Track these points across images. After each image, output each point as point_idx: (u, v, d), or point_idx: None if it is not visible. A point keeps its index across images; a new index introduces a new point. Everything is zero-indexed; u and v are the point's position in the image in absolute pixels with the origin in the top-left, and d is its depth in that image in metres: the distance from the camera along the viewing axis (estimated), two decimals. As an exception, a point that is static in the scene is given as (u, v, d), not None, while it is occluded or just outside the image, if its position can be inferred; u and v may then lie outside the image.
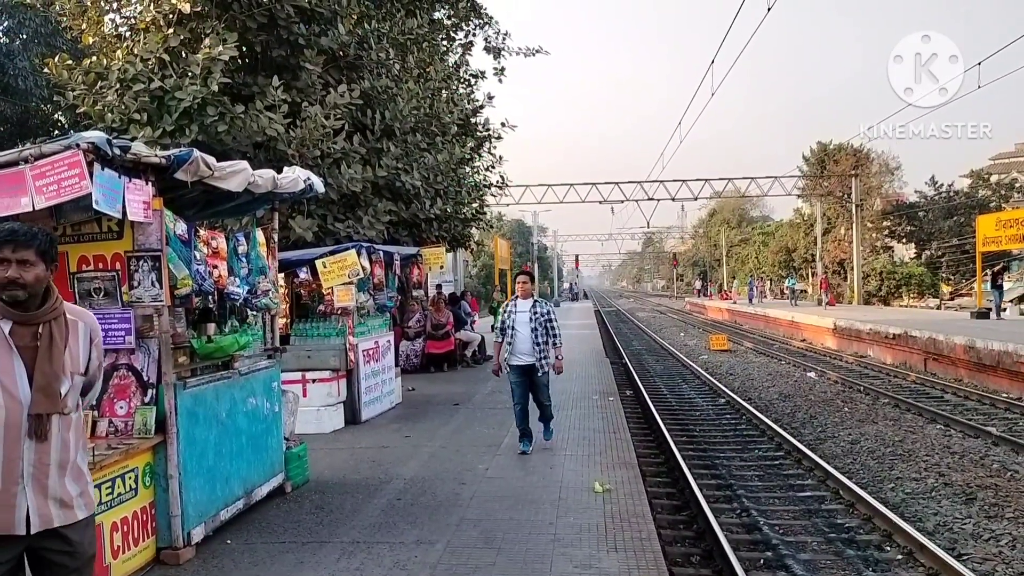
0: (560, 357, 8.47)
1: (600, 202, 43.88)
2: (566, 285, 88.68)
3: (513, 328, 8.34)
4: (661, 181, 42.73)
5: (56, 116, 21.82)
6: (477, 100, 20.43)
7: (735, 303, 48.78)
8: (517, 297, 8.56)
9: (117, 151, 4.74)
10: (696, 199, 44.18)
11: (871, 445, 11.00)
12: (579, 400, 12.13)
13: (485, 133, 20.61)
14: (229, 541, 5.61)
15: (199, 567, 5.13)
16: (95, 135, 4.68)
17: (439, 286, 18.06)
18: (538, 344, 8.26)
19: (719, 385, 16.59)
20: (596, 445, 8.74)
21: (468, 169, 19.02)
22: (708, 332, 32.11)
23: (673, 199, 43.40)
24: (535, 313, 8.31)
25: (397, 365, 12.57)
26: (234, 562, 5.21)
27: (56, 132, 20.86)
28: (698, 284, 75.66)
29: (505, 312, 8.52)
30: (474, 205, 19.07)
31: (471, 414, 10.96)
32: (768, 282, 60.41)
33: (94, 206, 4.62)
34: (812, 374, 18.69)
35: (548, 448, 8.57)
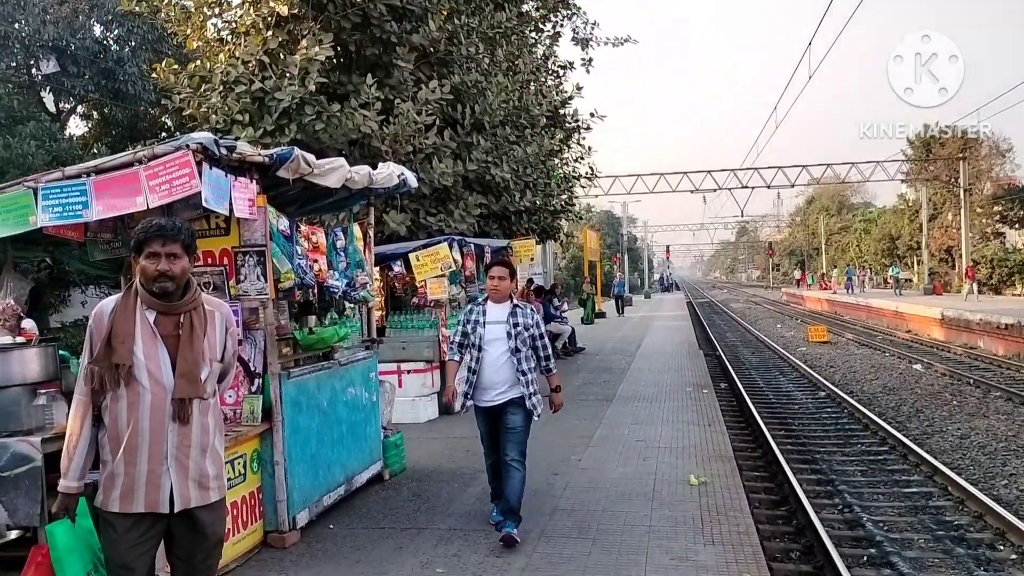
0: (559, 388, 5.87)
1: (692, 191, 43.13)
2: (657, 276, 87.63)
3: (479, 347, 5.55)
4: (756, 168, 41.69)
5: (163, 119, 22.85)
6: (565, 91, 20.37)
7: (835, 293, 47.22)
8: (486, 299, 5.77)
9: (224, 151, 4.95)
10: (793, 186, 42.91)
11: (982, 440, 10.49)
12: (672, 392, 12.00)
13: (574, 124, 20.54)
14: (332, 526, 5.81)
15: (304, 550, 5.32)
16: (203, 136, 4.89)
17: (530, 280, 18.12)
18: (523, 372, 5.52)
19: (818, 378, 16.11)
20: (690, 437, 8.63)
21: (557, 161, 19.02)
22: (806, 323, 31.20)
23: (768, 187, 42.27)
24: (515, 325, 5.53)
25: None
26: (336, 546, 5.39)
27: (164, 135, 21.87)
28: (798, 274, 73.37)
29: (466, 321, 5.72)
30: (563, 197, 19.06)
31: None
32: (869, 271, 58.20)
33: (203, 204, 4.83)
34: (918, 366, 17.93)
35: (519, 536, 5.29)
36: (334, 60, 10.98)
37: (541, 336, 5.70)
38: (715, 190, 43.20)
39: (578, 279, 46.57)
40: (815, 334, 25.04)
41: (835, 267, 65.50)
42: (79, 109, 24.82)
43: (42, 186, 4.93)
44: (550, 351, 5.78)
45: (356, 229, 7.21)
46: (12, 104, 19.27)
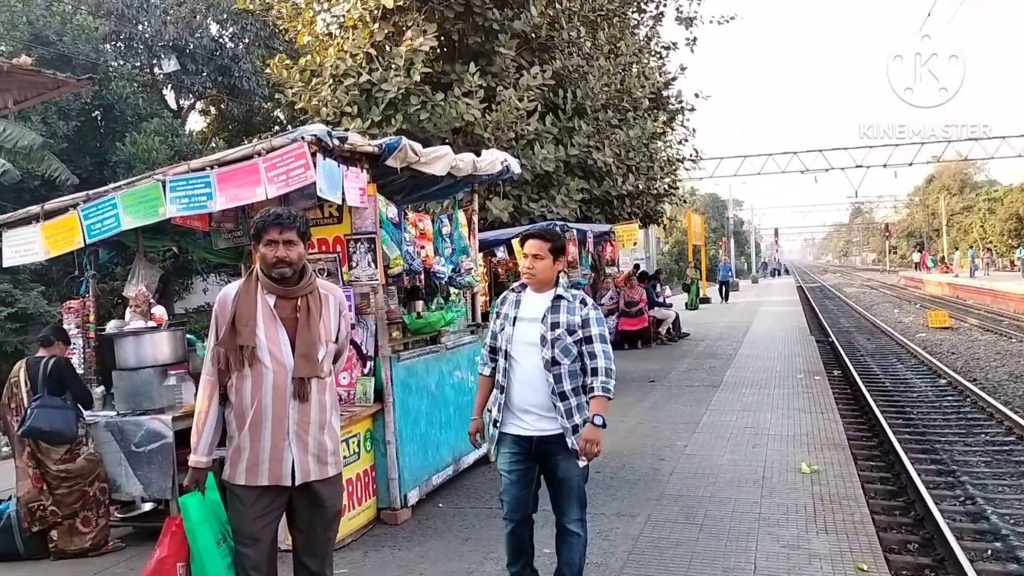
0: (599, 421, 3.74)
1: (802, 172, 41.73)
2: (765, 260, 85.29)
3: (507, 354, 3.93)
4: (870, 147, 39.93)
5: (275, 113, 23.79)
6: (669, 72, 20.05)
7: (956, 276, 44.82)
8: (522, 286, 4.06)
9: (336, 142, 5.14)
10: (911, 165, 40.92)
11: (1124, 432, 9.78)
12: (782, 379, 11.70)
13: (678, 106, 20.21)
14: (440, 504, 5.97)
15: (415, 527, 5.49)
16: (317, 128, 5.08)
17: (637, 265, 17.97)
18: (561, 396, 3.81)
19: (939, 364, 15.35)
20: (802, 425, 8.40)
21: (660, 144, 18.76)
22: (926, 308, 29.76)
23: (885, 166, 40.44)
24: (554, 326, 3.84)
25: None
26: (446, 524, 5.54)
27: (276, 128, 22.79)
28: (917, 256, 69.83)
29: (496, 315, 4.13)
30: (666, 180, 18.79)
31: (667, 391, 10.87)
32: (993, 253, 54.89)
33: (318, 193, 5.03)
34: (1050, 353, 16.84)
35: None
36: (438, 50, 11.17)
37: (591, 339, 3.83)
38: (827, 170, 41.63)
39: (682, 264, 45.84)
40: (935, 319, 23.85)
41: (956, 249, 62.18)
42: (198, 105, 26.10)
43: (170, 179, 5.25)
44: (604, 362, 3.81)
45: (461, 216, 7.34)
46: (138, 102, 20.41)
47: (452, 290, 7.66)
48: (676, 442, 7.75)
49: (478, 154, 7.11)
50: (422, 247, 6.52)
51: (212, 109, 26.21)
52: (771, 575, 4.47)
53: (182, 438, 5.40)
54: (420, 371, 6.11)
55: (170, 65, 22.11)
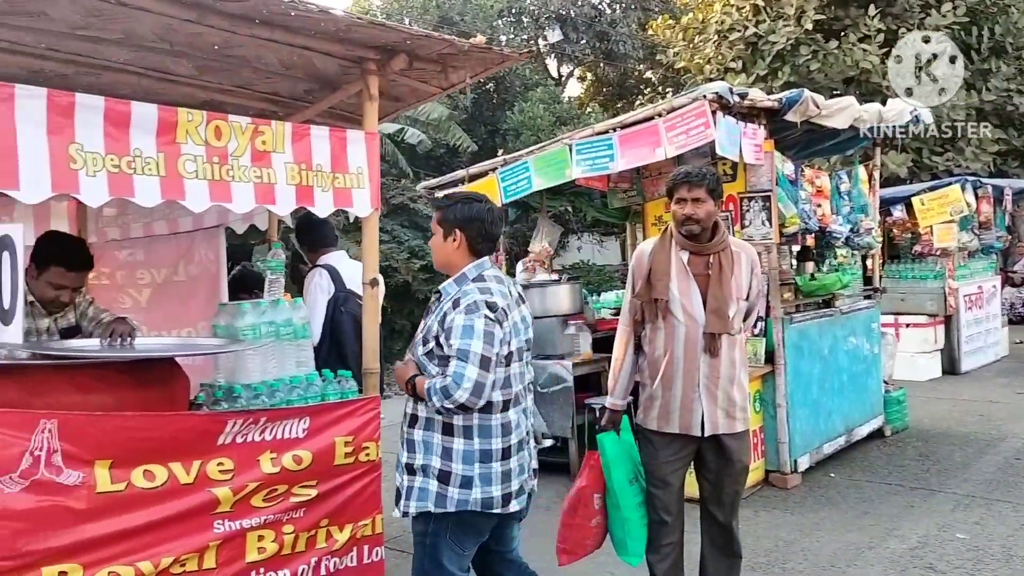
0: (412, 369, 2.84)
1: None
2: None
3: None
4: None
5: (647, 75, 24.16)
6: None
7: None
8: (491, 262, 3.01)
9: (736, 98, 5.08)
10: None
11: None
12: None
13: None
14: (832, 474, 5.72)
15: (806, 494, 5.34)
16: (719, 86, 5.07)
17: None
18: (413, 418, 2.83)
19: None
20: None
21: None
22: None
23: None
24: (424, 324, 2.87)
25: (1002, 314, 11.20)
26: (840, 494, 5.30)
27: (647, 90, 23.16)
28: None
29: None
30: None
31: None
32: None
33: (717, 151, 5.04)
34: None
35: None
36: (830, -6, 10.47)
37: (459, 355, 2.62)
38: None
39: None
40: None
41: None
42: (575, 72, 27.38)
43: (576, 142, 5.61)
44: (454, 384, 2.59)
45: (861, 171, 6.88)
46: (525, 73, 22.00)
47: (841, 251, 7.24)
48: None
49: (883, 104, 6.57)
50: (818, 205, 6.23)
51: (588, 75, 27.32)
52: None
53: (579, 383, 5.85)
54: (813, 335, 5.88)
55: (554, 35, 23.49)
